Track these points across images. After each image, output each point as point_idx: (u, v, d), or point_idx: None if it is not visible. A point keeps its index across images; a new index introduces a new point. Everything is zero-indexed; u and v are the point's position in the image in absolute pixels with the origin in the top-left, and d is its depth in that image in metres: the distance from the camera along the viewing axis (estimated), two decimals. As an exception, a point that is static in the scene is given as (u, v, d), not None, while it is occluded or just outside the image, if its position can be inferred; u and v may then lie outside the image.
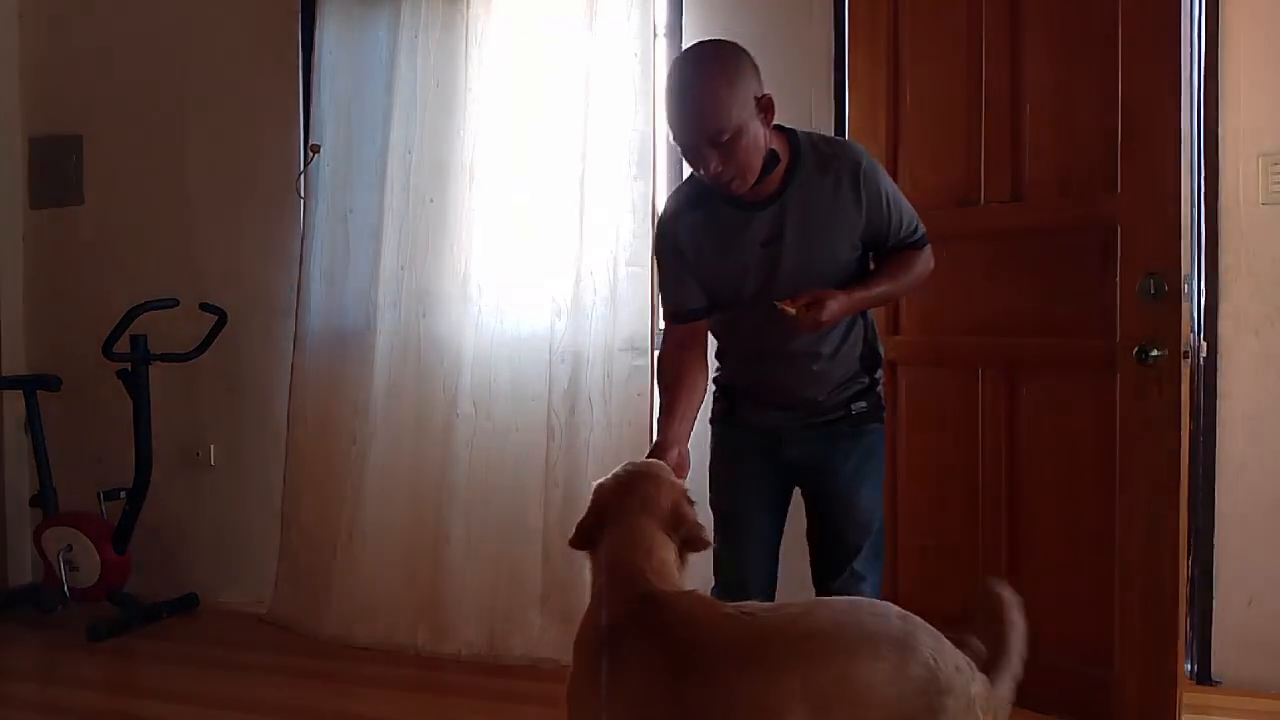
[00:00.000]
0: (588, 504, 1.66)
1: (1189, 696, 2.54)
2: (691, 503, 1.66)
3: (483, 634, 3.19)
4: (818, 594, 2.11)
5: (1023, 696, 2.60)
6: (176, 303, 3.56)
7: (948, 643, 1.47)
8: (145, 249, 3.86)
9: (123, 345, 3.49)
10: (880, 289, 2.02)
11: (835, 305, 1.88)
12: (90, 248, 3.94)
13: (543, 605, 3.16)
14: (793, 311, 1.85)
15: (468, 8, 3.31)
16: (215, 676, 3.10)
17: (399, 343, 3.37)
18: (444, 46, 3.34)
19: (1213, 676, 2.80)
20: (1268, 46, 2.75)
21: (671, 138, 1.87)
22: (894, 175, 2.81)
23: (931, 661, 1.40)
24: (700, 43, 1.95)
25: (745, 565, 2.12)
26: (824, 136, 2.04)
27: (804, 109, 2.95)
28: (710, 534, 1.65)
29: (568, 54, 3.20)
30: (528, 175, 3.25)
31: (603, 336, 3.15)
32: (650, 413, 3.08)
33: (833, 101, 3.02)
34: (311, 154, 3.49)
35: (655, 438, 1.95)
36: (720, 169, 1.83)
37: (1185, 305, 2.36)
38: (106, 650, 3.33)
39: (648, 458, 1.83)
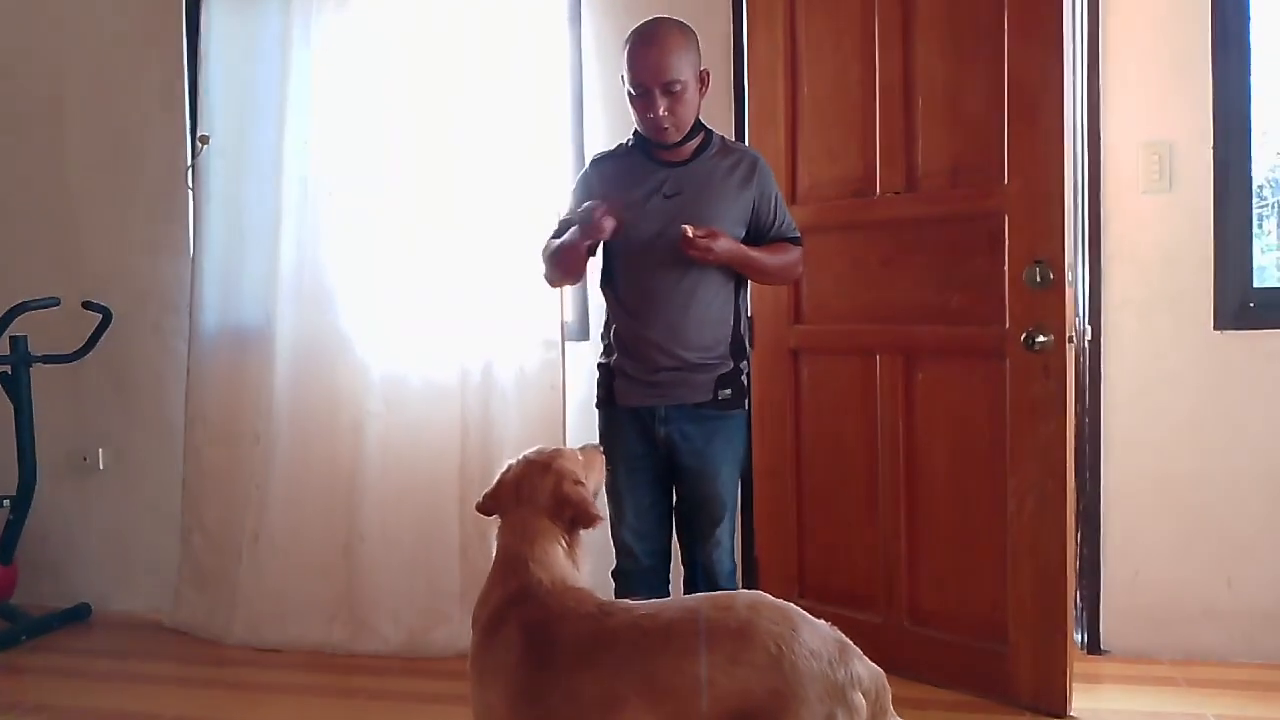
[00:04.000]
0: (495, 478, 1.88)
1: (1080, 666, 2.66)
2: (579, 483, 1.81)
3: (401, 631, 3.16)
4: (684, 557, 2.43)
5: (920, 670, 2.72)
6: (58, 302, 3.40)
7: (810, 630, 1.53)
8: (24, 245, 3.68)
9: (1, 347, 3.34)
10: (758, 254, 2.36)
11: (725, 242, 2.24)
12: (-36, 244, 3.74)
13: (461, 600, 3.14)
14: (690, 233, 2.18)
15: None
16: (111, 689, 2.98)
17: (302, 339, 3.28)
18: (340, 30, 3.24)
19: (1102, 646, 2.93)
20: (1148, 39, 2.85)
21: (630, 83, 2.24)
22: (793, 167, 2.88)
23: (774, 648, 1.48)
24: (662, 16, 2.30)
25: (636, 534, 2.41)
26: (732, 139, 2.52)
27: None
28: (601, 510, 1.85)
29: (472, 35, 3.12)
30: (434, 165, 3.18)
31: (515, 330, 3.12)
32: (563, 407, 3.08)
33: (732, 98, 3.03)
34: (200, 145, 3.37)
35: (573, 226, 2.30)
36: (665, 114, 2.23)
37: (1070, 292, 2.45)
38: (-8, 666, 3.19)
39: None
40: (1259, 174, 2.88)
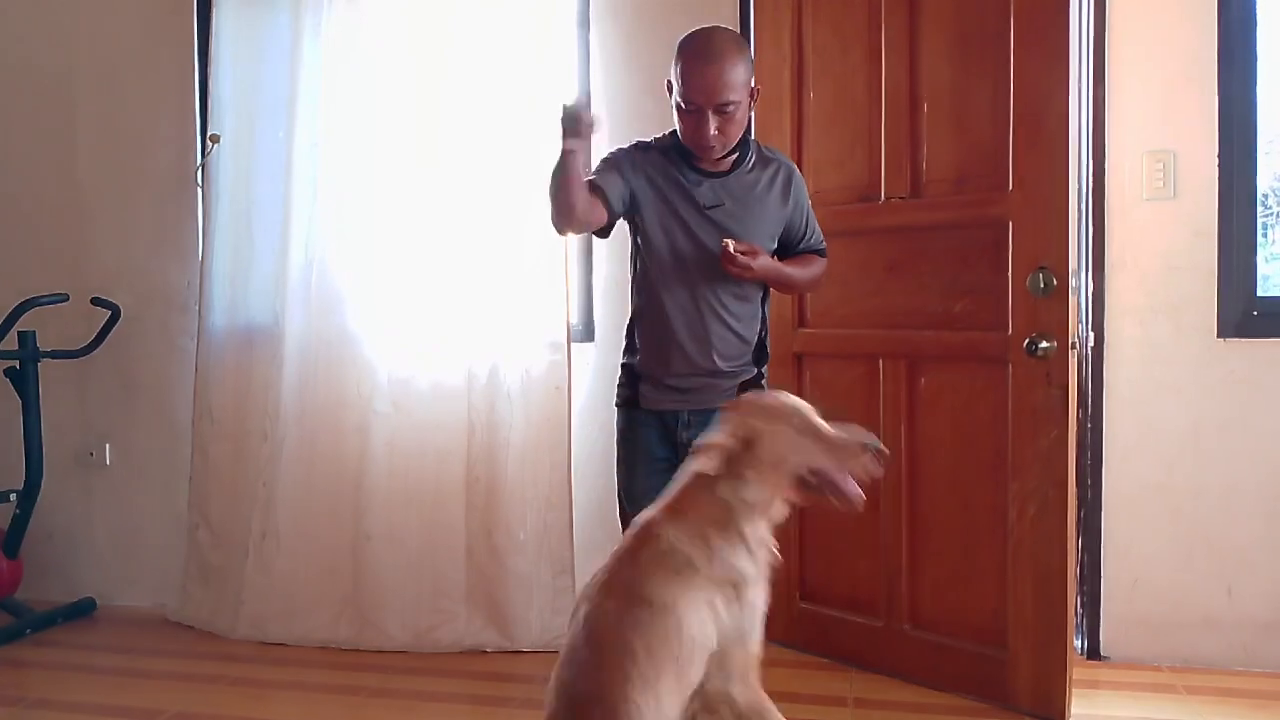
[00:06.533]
0: (730, 429, 1.81)
1: (1079, 672, 2.66)
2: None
3: (406, 629, 3.18)
4: None
5: (920, 675, 2.73)
6: (67, 298, 3.42)
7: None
8: (33, 241, 3.70)
9: (9, 342, 3.36)
10: (791, 269, 2.37)
11: (764, 259, 2.24)
12: (-26, 240, 3.76)
13: (466, 599, 3.17)
14: (732, 248, 2.18)
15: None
16: (115, 684, 2.99)
17: (310, 340, 3.30)
18: (350, 30, 3.26)
19: (1101, 652, 2.94)
20: (1153, 48, 2.86)
21: (680, 96, 2.17)
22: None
23: None
24: (718, 27, 2.24)
25: None
26: (767, 146, 2.42)
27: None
28: None
29: (483, 36, 3.13)
30: (441, 168, 3.19)
31: (521, 332, 3.14)
32: (568, 409, 3.10)
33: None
34: (211, 144, 3.39)
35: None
36: (715, 133, 2.18)
37: (1073, 299, 2.46)
38: (-3, 659, 3.21)
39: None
40: (1263, 183, 2.89)
